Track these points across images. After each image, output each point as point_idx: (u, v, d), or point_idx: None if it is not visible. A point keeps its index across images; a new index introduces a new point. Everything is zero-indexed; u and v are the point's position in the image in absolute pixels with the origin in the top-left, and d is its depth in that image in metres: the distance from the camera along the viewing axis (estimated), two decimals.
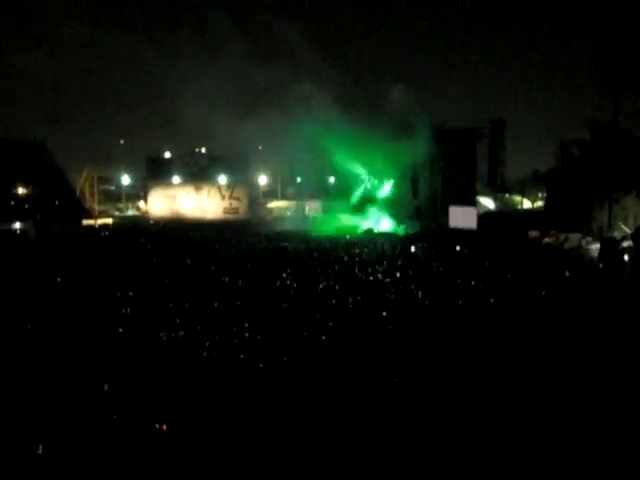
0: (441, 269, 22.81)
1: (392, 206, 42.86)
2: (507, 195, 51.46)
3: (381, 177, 43.80)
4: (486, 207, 46.19)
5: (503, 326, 14.03)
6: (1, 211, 39.58)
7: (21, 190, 42.86)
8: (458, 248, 28.41)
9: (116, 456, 8.22)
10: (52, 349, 12.78)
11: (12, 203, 41.58)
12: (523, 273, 21.07)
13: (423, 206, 42.97)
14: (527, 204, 50.89)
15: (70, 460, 8.10)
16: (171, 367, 11.68)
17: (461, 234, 34.43)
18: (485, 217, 40.61)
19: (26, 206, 41.59)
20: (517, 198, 52.07)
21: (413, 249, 28.86)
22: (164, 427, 9.11)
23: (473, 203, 40.94)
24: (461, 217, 39.48)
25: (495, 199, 48.88)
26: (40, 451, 8.28)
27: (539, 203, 48.80)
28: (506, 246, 28.57)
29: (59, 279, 21.17)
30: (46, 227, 38.05)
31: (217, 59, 40.13)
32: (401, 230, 39.77)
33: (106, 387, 10.66)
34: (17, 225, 39.54)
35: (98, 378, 10.96)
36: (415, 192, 43.10)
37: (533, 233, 33.14)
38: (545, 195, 42.58)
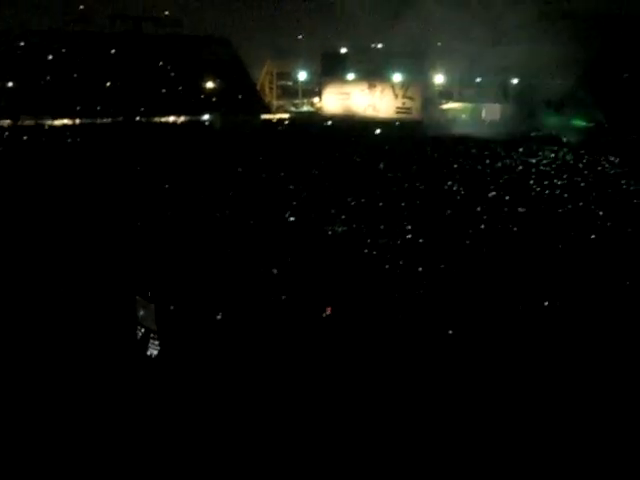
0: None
1: (580, 109, 38.12)
2: None
3: (566, 76, 38.53)
4: None
5: None
6: (192, 104, 43.15)
7: (209, 84, 45.91)
8: None
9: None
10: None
11: (201, 96, 44.96)
12: None
13: (619, 110, 37.61)
14: None
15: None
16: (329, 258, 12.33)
17: None
18: None
19: (213, 99, 44.73)
20: None
21: (601, 161, 25.95)
22: (328, 310, 9.88)
23: None
24: None
25: None
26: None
27: None
28: None
29: (240, 169, 22.98)
30: (230, 120, 40.85)
31: None
32: (588, 138, 35.30)
33: (275, 271, 11.69)
34: (205, 117, 42.99)
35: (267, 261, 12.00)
36: (605, 92, 37.49)
37: None
38: None
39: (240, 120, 41.00)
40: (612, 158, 26.76)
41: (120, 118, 38.24)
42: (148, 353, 8.65)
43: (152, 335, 8.78)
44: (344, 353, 8.65)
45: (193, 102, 43.63)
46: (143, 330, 8.89)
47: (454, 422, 7.03)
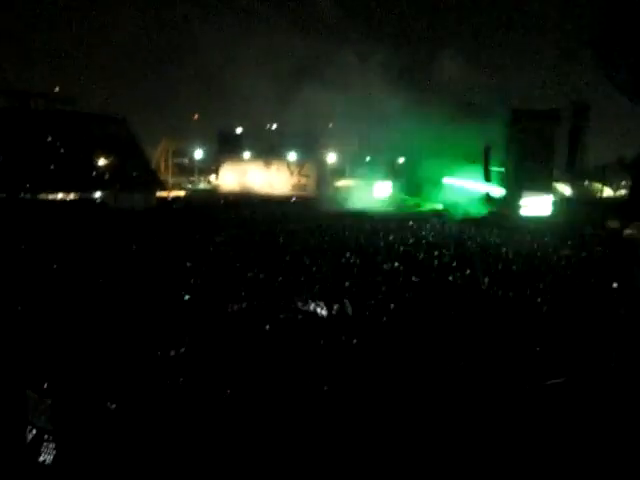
0: (510, 257, 22.12)
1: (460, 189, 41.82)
2: (586, 182, 49.04)
3: (449, 159, 42.58)
4: (562, 194, 44.22)
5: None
6: (83, 181, 41.76)
7: (102, 161, 44.88)
8: (528, 237, 27.38)
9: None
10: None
11: (93, 174, 43.72)
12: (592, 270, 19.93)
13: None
14: (608, 192, 48.27)
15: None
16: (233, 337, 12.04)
17: (532, 222, 33.18)
18: (560, 205, 38.98)
19: (106, 177, 43.63)
20: (597, 186, 49.48)
21: (482, 234, 28.13)
22: (228, 391, 9.50)
23: (549, 189, 39.27)
24: (534, 204, 37.99)
25: (573, 186, 46.68)
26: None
27: (622, 192, 46.22)
28: (580, 237, 27.24)
29: (134, 246, 22.18)
30: (123, 197, 39.87)
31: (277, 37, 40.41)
32: (469, 214, 38.75)
33: (173, 353, 11.12)
34: (97, 195, 41.67)
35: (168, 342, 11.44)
36: (486, 176, 41.80)
37: (613, 224, 31.32)
38: (629, 183, 40.28)
39: (134, 197, 40.17)
40: (490, 229, 29.21)
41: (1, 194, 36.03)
42: (41, 460, 7.49)
43: (46, 437, 7.64)
44: (248, 436, 8.32)
45: (84, 179, 42.27)
46: (35, 431, 7.70)
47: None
